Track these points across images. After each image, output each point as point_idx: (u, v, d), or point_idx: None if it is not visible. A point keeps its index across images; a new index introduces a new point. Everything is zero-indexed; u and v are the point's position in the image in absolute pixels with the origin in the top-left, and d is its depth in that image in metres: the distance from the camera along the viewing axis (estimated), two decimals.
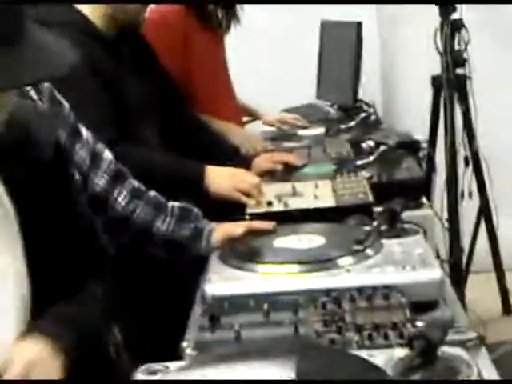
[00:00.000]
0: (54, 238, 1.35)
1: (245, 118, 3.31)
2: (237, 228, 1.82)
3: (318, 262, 1.61)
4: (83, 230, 1.43)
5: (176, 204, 1.88)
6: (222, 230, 1.84)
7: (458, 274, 3.33)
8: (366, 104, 3.32)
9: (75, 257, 1.39)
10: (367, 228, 1.79)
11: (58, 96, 1.67)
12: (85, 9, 2.17)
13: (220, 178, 2.15)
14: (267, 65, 3.84)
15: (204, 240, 1.83)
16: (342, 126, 3.02)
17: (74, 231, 1.39)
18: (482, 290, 3.60)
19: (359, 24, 3.24)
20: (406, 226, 1.83)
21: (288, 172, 2.42)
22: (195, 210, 1.89)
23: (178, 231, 1.83)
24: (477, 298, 3.48)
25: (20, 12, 1.19)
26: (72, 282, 1.37)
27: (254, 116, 3.30)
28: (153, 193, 1.88)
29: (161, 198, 1.88)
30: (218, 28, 2.89)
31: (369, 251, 1.66)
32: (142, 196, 1.85)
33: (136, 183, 1.87)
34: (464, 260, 3.50)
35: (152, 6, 2.39)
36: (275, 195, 2.12)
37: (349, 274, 1.57)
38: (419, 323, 1.38)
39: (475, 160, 3.41)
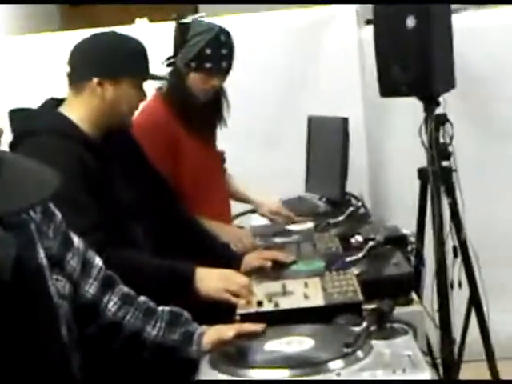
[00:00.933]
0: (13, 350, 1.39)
1: (241, 207, 3.36)
2: (227, 331, 1.82)
3: (309, 365, 1.62)
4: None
5: (166, 308, 1.89)
6: (212, 334, 1.84)
7: (451, 366, 3.32)
8: (355, 197, 3.37)
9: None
10: (357, 329, 1.80)
11: (52, 207, 1.70)
12: (72, 114, 2.24)
13: (209, 280, 2.17)
14: (256, 158, 3.88)
15: (194, 344, 1.83)
16: (331, 221, 3.04)
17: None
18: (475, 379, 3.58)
19: (345, 119, 3.31)
20: (395, 325, 1.85)
21: (278, 269, 2.44)
22: (185, 313, 1.90)
23: (168, 336, 1.84)
24: None
25: None
26: None
27: (251, 203, 3.33)
28: (142, 298, 1.90)
29: (151, 303, 1.89)
30: (205, 131, 2.95)
31: (359, 353, 1.67)
32: (132, 302, 1.86)
33: (126, 289, 1.88)
34: (456, 350, 3.49)
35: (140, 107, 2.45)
36: (265, 294, 2.13)
37: (339, 379, 1.58)
38: None
39: (464, 250, 3.43)
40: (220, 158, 3.16)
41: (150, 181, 2.48)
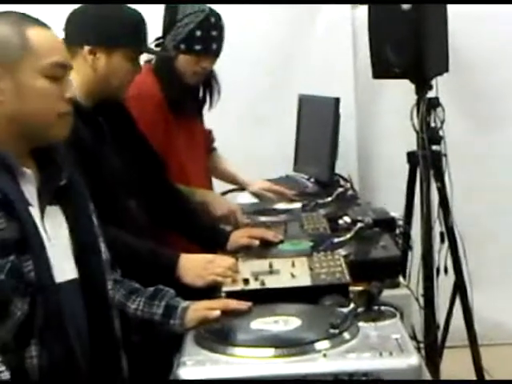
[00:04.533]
0: None
1: (230, 186, 3.33)
2: (212, 310, 1.79)
3: (295, 346, 1.59)
4: None
5: (150, 288, 1.87)
6: (197, 310, 1.81)
7: (434, 351, 3.31)
8: (343, 178, 3.34)
9: None
10: (344, 310, 1.78)
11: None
12: None
13: (193, 269, 2.14)
14: (245, 137, 3.85)
15: (177, 318, 1.80)
16: (319, 201, 3.02)
17: None
18: (457, 365, 3.57)
19: (337, 100, 3.27)
20: (382, 308, 1.82)
21: (265, 248, 2.41)
22: (167, 288, 1.87)
23: (150, 309, 1.81)
24: (453, 373, 3.46)
25: None
26: None
27: (240, 185, 3.30)
28: (128, 279, 1.87)
29: (135, 283, 1.87)
30: (192, 113, 2.93)
31: (346, 335, 1.64)
32: (120, 282, 1.83)
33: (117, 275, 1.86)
34: (439, 335, 3.49)
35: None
36: (252, 273, 2.10)
37: (325, 359, 1.55)
38: None
39: (451, 236, 3.42)
40: (206, 136, 3.12)
41: (141, 154, 2.43)
